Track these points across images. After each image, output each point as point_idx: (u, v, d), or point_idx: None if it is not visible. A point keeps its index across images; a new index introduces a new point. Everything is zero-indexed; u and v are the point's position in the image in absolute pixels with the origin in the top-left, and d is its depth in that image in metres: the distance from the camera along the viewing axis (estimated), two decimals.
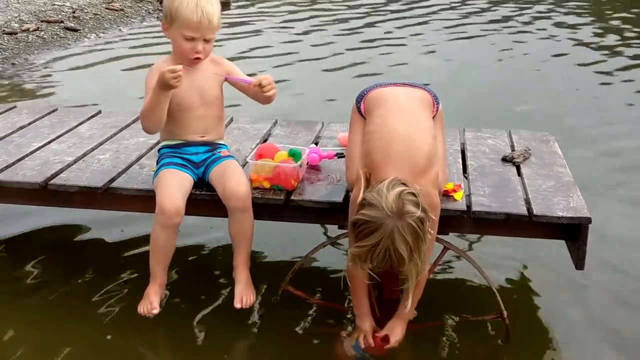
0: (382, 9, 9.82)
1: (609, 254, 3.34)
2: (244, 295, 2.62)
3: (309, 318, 2.82)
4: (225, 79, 2.73)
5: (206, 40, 2.61)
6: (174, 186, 2.59)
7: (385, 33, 8.32)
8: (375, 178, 2.36)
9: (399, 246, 2.15)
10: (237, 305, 2.61)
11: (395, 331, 2.56)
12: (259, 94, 2.68)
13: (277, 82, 2.70)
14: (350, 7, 9.95)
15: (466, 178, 2.94)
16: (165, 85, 2.47)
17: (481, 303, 2.84)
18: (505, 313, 2.65)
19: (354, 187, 2.47)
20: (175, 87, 2.49)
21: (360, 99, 2.67)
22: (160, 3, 9.93)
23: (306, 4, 10.07)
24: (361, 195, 2.26)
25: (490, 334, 2.76)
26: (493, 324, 2.77)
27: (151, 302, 2.58)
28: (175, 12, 2.56)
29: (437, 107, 2.68)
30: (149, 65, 2.77)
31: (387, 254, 2.17)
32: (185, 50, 2.61)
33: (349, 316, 2.78)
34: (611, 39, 8.06)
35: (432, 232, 2.29)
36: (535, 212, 2.58)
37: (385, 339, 2.54)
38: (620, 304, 3.00)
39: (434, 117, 2.66)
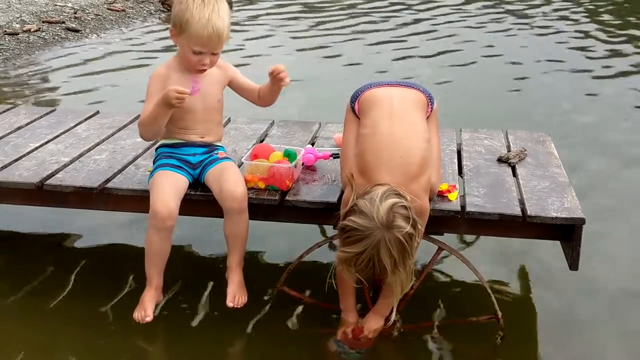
0: (382, 9, 9.81)
1: (605, 254, 3.34)
2: (236, 294, 2.62)
3: (304, 318, 2.83)
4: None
5: (214, 53, 2.61)
6: (168, 189, 2.58)
7: (384, 33, 8.32)
8: (367, 179, 2.36)
9: (384, 258, 2.16)
10: (230, 304, 2.61)
11: (369, 323, 2.60)
12: (263, 94, 2.77)
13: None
14: (347, 6, 9.96)
15: (462, 178, 2.94)
16: (167, 103, 2.47)
17: (476, 304, 2.84)
18: (500, 314, 2.65)
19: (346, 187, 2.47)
20: (177, 108, 2.50)
21: (354, 98, 2.67)
22: (162, 4, 9.97)
23: (306, 6, 10.07)
24: (352, 200, 2.26)
25: (485, 335, 2.75)
26: (488, 324, 2.77)
27: (145, 309, 2.58)
28: (186, 24, 2.53)
29: (432, 107, 2.67)
30: (150, 66, 2.77)
31: (371, 263, 2.18)
32: (192, 62, 2.60)
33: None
34: (615, 42, 8.03)
35: (418, 240, 2.29)
36: (529, 212, 2.58)
37: (362, 329, 2.59)
38: (615, 304, 3.01)
39: (428, 117, 2.65)
